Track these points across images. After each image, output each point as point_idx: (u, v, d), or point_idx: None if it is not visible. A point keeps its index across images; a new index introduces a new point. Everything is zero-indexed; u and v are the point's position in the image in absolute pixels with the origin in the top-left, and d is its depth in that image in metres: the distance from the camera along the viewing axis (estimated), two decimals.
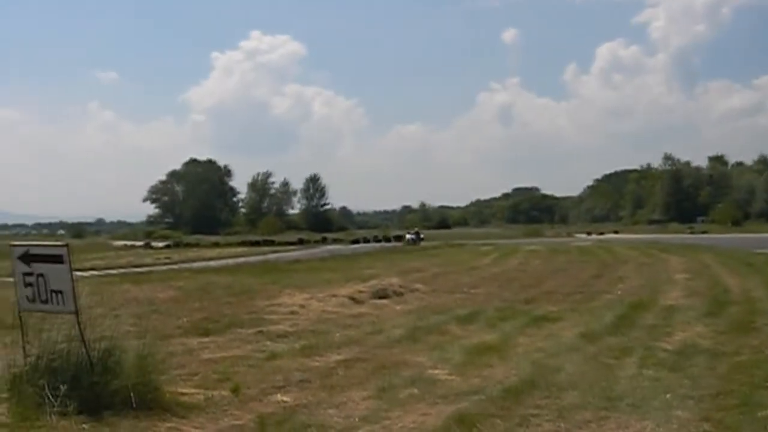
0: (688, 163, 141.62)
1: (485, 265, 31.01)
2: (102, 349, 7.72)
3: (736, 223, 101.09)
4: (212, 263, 39.54)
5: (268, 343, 11.83)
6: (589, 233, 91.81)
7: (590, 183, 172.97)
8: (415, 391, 8.40)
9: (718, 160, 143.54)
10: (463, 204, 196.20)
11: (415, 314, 15.11)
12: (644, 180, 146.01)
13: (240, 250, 62.97)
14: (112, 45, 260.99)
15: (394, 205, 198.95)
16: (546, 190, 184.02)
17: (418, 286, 20.16)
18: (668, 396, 7.93)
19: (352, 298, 17.08)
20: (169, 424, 7.16)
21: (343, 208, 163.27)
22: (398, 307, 16.41)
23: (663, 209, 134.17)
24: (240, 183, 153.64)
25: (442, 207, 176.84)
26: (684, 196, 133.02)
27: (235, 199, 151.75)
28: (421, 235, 73.79)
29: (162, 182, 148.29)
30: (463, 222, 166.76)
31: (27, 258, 7.87)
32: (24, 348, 7.80)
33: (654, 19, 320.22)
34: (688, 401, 7.75)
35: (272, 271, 28.49)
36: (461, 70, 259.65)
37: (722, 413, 7.33)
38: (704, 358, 10.07)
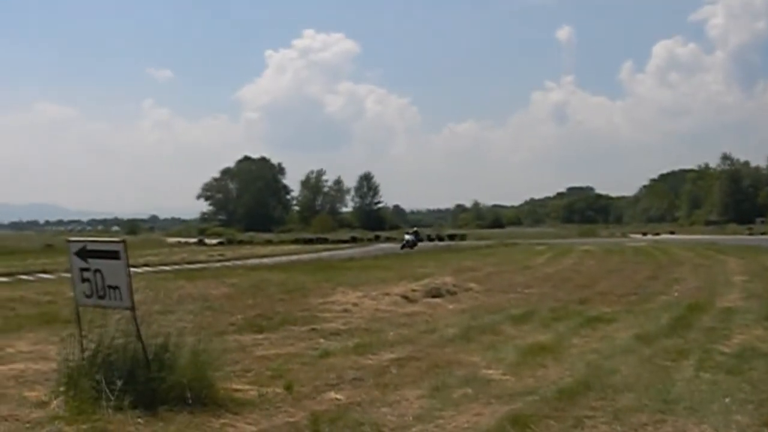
0: (747, 163, 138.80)
1: (539, 265, 30.76)
2: (158, 344, 7.78)
3: None
4: (265, 260, 39.75)
5: (321, 340, 11.88)
6: (644, 233, 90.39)
7: (646, 183, 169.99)
8: (469, 390, 8.35)
9: None
10: (516, 203, 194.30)
11: (468, 313, 15.06)
12: (701, 180, 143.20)
13: (293, 247, 63.07)
14: (167, 43, 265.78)
15: (447, 203, 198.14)
16: (600, 190, 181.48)
17: (472, 285, 20.07)
18: (727, 400, 7.74)
19: (405, 297, 17.03)
20: (222, 420, 7.22)
21: (396, 207, 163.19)
22: (451, 306, 16.35)
23: (721, 210, 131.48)
24: (293, 181, 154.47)
25: (495, 206, 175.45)
26: (743, 197, 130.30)
27: (288, 196, 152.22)
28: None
29: (215, 179, 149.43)
30: (516, 221, 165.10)
31: (84, 254, 7.92)
32: (81, 343, 7.88)
33: (712, 16, 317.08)
34: (748, 405, 7.56)
35: (325, 268, 28.56)
36: (515, 68, 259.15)
37: None
38: (764, 361, 9.83)
